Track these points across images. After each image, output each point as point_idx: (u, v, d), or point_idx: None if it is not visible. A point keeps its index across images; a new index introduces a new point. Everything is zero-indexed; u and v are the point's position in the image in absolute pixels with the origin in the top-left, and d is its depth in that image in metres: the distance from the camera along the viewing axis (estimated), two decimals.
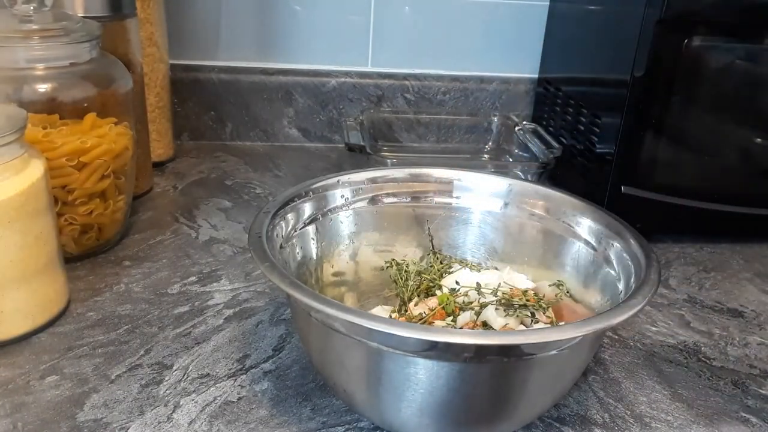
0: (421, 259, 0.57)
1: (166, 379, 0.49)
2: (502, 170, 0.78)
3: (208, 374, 0.50)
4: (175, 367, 0.51)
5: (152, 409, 0.46)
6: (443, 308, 0.49)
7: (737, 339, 0.60)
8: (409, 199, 0.57)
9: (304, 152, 0.97)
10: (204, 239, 0.70)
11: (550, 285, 0.52)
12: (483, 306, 0.48)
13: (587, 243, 0.52)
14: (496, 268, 0.56)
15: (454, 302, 0.50)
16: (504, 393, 0.41)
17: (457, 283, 0.52)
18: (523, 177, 0.79)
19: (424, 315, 0.49)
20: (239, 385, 0.49)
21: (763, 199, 0.75)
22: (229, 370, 0.51)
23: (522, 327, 0.47)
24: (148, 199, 0.79)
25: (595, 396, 0.51)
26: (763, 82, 0.70)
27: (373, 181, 0.56)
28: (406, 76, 0.99)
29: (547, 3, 0.97)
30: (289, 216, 0.51)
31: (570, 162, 0.83)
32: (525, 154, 0.87)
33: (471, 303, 0.49)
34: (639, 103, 0.70)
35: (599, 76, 0.80)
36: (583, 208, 0.53)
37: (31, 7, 0.59)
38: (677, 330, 0.60)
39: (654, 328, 0.60)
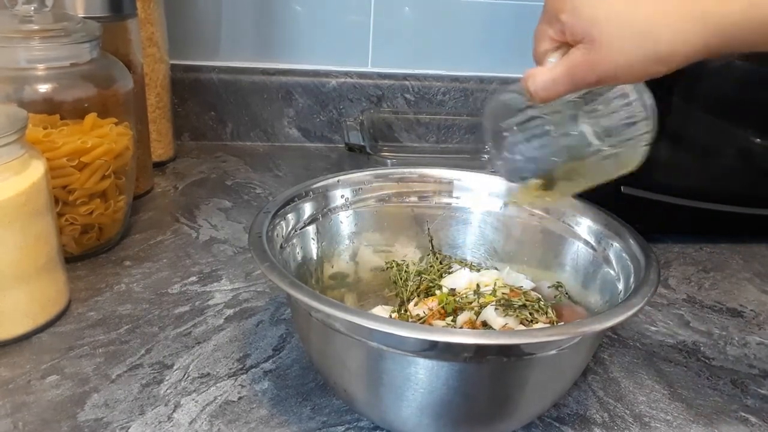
0: (421, 259, 0.57)
1: (167, 378, 0.50)
2: None
3: (208, 374, 0.50)
4: (175, 367, 0.51)
5: (153, 409, 0.46)
6: (443, 308, 0.49)
7: (736, 339, 0.60)
8: (409, 199, 0.57)
9: (304, 152, 0.97)
10: (204, 239, 0.70)
11: (549, 287, 0.52)
12: (483, 306, 0.48)
13: (587, 243, 0.52)
14: (496, 268, 0.56)
15: (454, 302, 0.50)
16: (504, 392, 0.41)
17: (456, 283, 0.52)
18: None
19: (423, 315, 0.49)
20: (240, 385, 0.49)
21: (762, 199, 0.75)
22: (230, 369, 0.51)
23: (522, 327, 0.47)
24: (148, 199, 0.79)
25: (594, 395, 0.51)
26: (762, 82, 0.70)
27: (373, 181, 0.56)
28: (406, 76, 0.99)
29: None
30: (290, 216, 0.51)
31: None
32: None
33: (471, 303, 0.49)
34: None
35: None
36: (582, 208, 0.53)
37: (32, 8, 0.59)
38: (677, 330, 0.61)
39: (653, 328, 0.60)
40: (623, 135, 0.43)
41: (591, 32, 0.38)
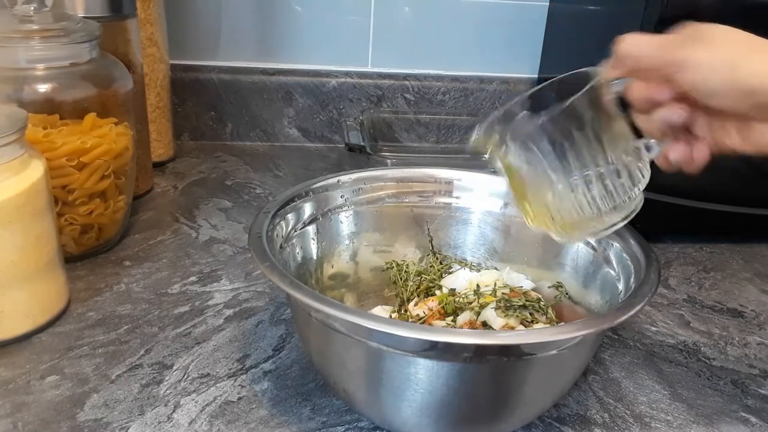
0: (421, 259, 0.57)
1: (167, 378, 0.50)
2: None
3: (208, 374, 0.50)
4: (175, 367, 0.51)
5: (152, 409, 0.46)
6: (443, 308, 0.49)
7: (737, 339, 0.60)
8: (409, 199, 0.57)
9: (304, 152, 0.97)
10: (204, 239, 0.70)
11: (549, 287, 0.52)
12: (483, 306, 0.48)
13: (587, 243, 0.52)
14: (496, 268, 0.56)
15: (454, 302, 0.50)
16: (504, 393, 0.41)
17: (456, 283, 0.52)
18: None
19: (423, 315, 0.49)
20: (239, 385, 0.49)
21: (763, 199, 0.75)
22: (230, 369, 0.51)
23: (522, 327, 0.47)
24: (148, 199, 0.79)
25: (594, 396, 0.51)
26: None
27: (373, 181, 0.56)
28: (406, 76, 0.99)
29: (547, 3, 0.97)
30: (289, 216, 0.51)
31: None
32: None
33: (471, 303, 0.49)
34: None
35: None
36: None
37: (32, 8, 0.59)
38: (677, 330, 0.60)
39: (654, 328, 0.60)
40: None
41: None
